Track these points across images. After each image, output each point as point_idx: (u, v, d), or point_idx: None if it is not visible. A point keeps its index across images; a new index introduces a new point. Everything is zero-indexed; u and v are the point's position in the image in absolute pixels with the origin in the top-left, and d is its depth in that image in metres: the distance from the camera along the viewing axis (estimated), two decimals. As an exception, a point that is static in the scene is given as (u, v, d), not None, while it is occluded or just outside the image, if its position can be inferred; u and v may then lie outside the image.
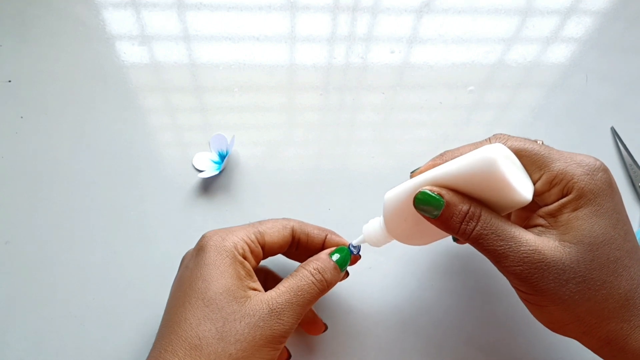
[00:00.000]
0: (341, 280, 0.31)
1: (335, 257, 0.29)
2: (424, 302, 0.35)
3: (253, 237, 0.29)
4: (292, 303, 0.27)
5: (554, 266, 0.24)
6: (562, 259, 0.24)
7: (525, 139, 0.27)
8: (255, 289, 0.28)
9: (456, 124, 0.42)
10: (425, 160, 0.31)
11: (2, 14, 0.45)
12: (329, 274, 0.29)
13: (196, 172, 0.39)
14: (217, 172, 0.38)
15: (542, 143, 0.27)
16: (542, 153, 0.26)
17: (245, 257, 0.28)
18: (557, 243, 0.25)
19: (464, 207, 0.25)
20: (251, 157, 0.40)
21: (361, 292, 0.36)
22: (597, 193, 0.25)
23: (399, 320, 0.35)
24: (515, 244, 0.24)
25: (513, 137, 0.27)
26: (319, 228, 0.31)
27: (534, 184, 0.26)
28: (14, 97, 0.42)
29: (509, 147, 0.26)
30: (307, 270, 0.28)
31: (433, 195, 0.26)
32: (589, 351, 0.26)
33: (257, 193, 0.39)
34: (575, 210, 0.25)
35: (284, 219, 0.31)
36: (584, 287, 0.24)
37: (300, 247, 0.31)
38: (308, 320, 0.33)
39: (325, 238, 0.31)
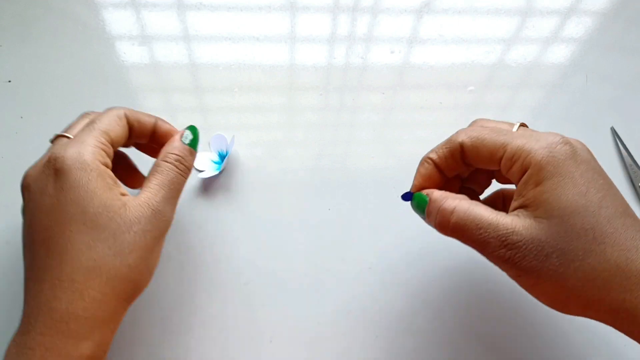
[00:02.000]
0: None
1: (187, 139, 0.31)
2: (424, 302, 0.35)
3: (103, 139, 0.28)
4: (169, 198, 0.29)
5: (531, 244, 0.24)
6: (538, 235, 0.24)
7: (499, 123, 0.28)
8: (124, 194, 0.28)
9: (456, 124, 0.42)
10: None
11: (2, 14, 0.45)
12: (189, 160, 0.31)
13: (196, 172, 0.39)
14: (217, 173, 0.38)
15: (521, 125, 0.28)
16: (503, 133, 0.26)
17: (106, 165, 0.28)
18: (531, 220, 0.24)
19: (439, 202, 0.27)
20: (251, 157, 0.40)
21: (361, 292, 0.36)
22: (557, 164, 0.24)
23: (399, 319, 0.35)
24: (493, 229, 0.25)
25: (486, 125, 0.28)
26: (148, 115, 0.32)
27: (499, 162, 0.26)
28: (14, 97, 0.42)
29: (472, 138, 0.27)
30: (170, 162, 0.29)
31: (422, 195, 0.28)
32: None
33: (257, 193, 0.39)
34: (538, 184, 0.24)
35: (113, 108, 0.31)
36: (566, 259, 0.23)
37: (133, 133, 0.31)
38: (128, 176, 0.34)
39: (156, 123, 0.32)
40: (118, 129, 0.29)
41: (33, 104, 0.42)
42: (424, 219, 0.29)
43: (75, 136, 0.28)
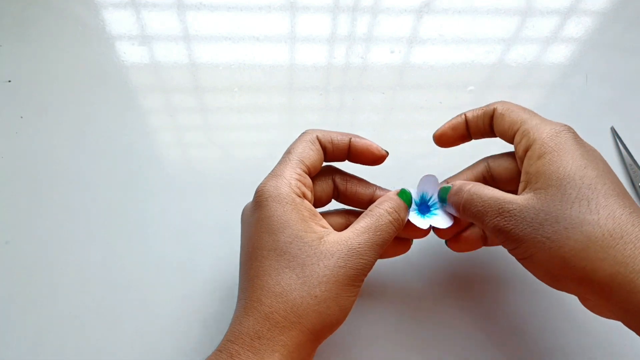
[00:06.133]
0: (404, 252, 0.32)
1: (402, 197, 0.30)
2: (423, 302, 0.35)
3: (299, 170, 0.29)
4: (372, 242, 0.27)
5: (526, 211, 0.25)
6: (534, 204, 0.25)
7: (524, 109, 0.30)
8: (323, 227, 0.28)
9: (456, 124, 0.42)
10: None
11: (2, 14, 0.45)
12: (403, 213, 0.29)
13: (195, 171, 0.39)
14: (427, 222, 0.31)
15: None
16: (528, 112, 0.29)
17: (304, 195, 0.29)
18: (530, 194, 0.26)
19: (457, 183, 0.29)
20: (251, 158, 0.40)
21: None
22: (560, 142, 0.26)
23: (397, 319, 0.35)
24: (494, 201, 0.26)
25: (514, 107, 0.30)
26: (341, 133, 0.31)
27: (514, 135, 0.29)
28: (14, 97, 0.42)
29: (505, 108, 0.30)
30: (383, 209, 0.28)
31: (446, 186, 0.30)
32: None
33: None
34: (539, 158, 0.26)
35: (304, 133, 0.31)
36: (560, 226, 0.24)
37: (327, 156, 0.31)
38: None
39: (350, 140, 0.31)
40: (312, 154, 0.30)
41: (33, 104, 0.42)
42: (442, 207, 0.31)
43: (274, 169, 0.29)
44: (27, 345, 0.33)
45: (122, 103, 0.42)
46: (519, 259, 0.27)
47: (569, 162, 0.25)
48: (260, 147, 0.41)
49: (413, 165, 0.40)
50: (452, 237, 0.32)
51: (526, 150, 0.27)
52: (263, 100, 0.43)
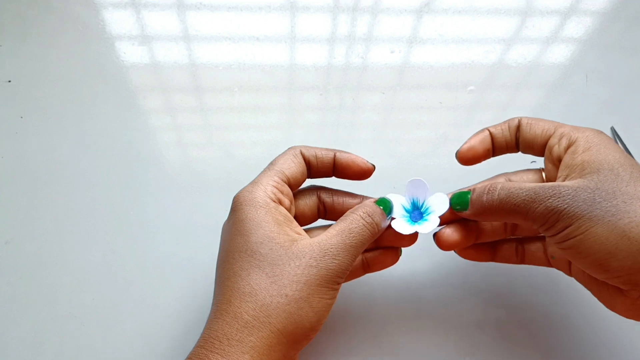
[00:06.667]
0: (393, 263, 0.32)
1: (380, 205, 0.30)
2: (423, 302, 0.35)
3: (277, 178, 0.29)
4: (345, 244, 0.27)
5: (581, 191, 0.25)
6: (588, 184, 0.25)
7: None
8: (299, 233, 0.28)
9: (456, 124, 0.42)
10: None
11: (2, 14, 0.45)
12: (377, 218, 0.29)
13: (195, 171, 0.39)
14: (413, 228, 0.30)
15: None
16: (550, 122, 0.30)
17: (280, 201, 0.29)
18: (579, 179, 0.26)
19: (484, 187, 0.28)
20: (251, 158, 0.40)
21: (360, 294, 0.36)
22: (602, 138, 0.28)
23: (397, 320, 0.35)
24: (540, 187, 0.26)
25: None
26: (325, 149, 0.31)
27: (546, 142, 0.29)
28: (14, 97, 0.42)
29: (530, 118, 0.30)
30: (357, 214, 0.28)
31: (462, 192, 0.29)
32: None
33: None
34: (586, 150, 0.27)
35: (291, 147, 0.31)
36: (618, 201, 0.24)
37: (312, 171, 0.31)
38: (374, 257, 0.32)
39: (335, 155, 0.31)
40: (293, 167, 0.30)
41: (33, 104, 0.42)
42: (460, 210, 0.29)
43: (254, 178, 0.30)
44: (27, 345, 0.33)
45: (122, 103, 0.42)
46: (567, 240, 0.25)
47: (617, 152, 0.26)
48: (260, 147, 0.41)
49: (413, 165, 0.40)
50: (460, 247, 0.32)
51: (567, 148, 0.28)
52: (263, 100, 0.43)
